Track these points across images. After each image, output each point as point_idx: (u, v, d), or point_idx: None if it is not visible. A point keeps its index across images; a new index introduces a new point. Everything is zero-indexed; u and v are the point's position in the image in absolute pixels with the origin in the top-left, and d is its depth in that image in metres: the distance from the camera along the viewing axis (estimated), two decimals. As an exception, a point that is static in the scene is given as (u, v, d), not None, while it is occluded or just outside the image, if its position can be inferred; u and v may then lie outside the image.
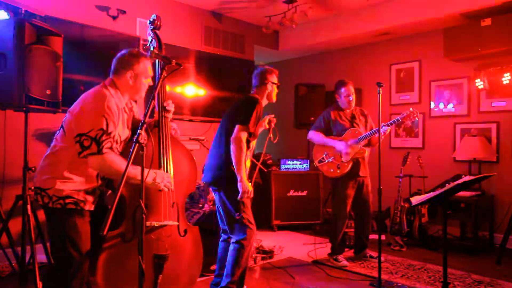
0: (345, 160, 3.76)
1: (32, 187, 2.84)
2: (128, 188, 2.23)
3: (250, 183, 2.79)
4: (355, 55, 6.06)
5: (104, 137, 2.01)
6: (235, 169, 2.75)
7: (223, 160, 2.84)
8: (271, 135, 3.05)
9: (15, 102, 2.64)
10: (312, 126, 4.03)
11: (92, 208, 2.17)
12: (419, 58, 5.35)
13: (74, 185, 2.07)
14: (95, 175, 2.16)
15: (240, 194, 2.74)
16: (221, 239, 3.07)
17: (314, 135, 3.94)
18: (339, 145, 3.78)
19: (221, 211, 2.94)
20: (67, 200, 2.04)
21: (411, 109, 3.69)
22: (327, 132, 3.91)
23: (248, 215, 2.84)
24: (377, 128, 3.37)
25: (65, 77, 3.00)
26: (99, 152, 1.99)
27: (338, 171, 3.79)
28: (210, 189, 3.27)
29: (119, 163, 2.04)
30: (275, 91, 3.06)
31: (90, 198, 2.14)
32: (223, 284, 2.82)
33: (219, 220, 3.04)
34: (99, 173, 2.15)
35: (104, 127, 2.02)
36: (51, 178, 2.05)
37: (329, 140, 3.84)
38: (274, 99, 3.06)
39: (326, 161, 3.86)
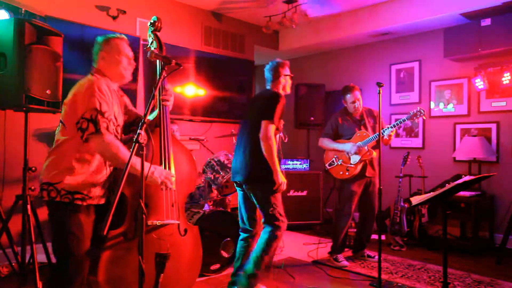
0: (353, 162, 3.79)
1: (32, 187, 2.86)
2: (130, 187, 2.24)
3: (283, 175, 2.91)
4: (355, 55, 6.06)
5: (99, 117, 2.04)
6: (269, 163, 2.83)
7: (251, 158, 2.92)
8: None
9: (15, 102, 2.63)
10: (322, 133, 4.11)
11: (101, 202, 2.18)
12: (419, 58, 5.35)
13: (82, 176, 2.08)
14: (103, 162, 2.17)
15: (276, 186, 2.84)
16: (240, 237, 3.12)
17: (324, 142, 4.02)
18: (346, 147, 3.83)
19: (249, 208, 3.03)
20: (76, 196, 2.06)
21: (418, 108, 3.69)
22: (336, 137, 3.97)
23: (280, 208, 2.94)
24: (381, 130, 3.40)
25: (65, 77, 3.00)
26: (97, 131, 2.02)
27: (347, 173, 3.83)
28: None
29: (118, 145, 2.07)
30: (289, 82, 3.18)
31: (98, 192, 2.15)
32: (249, 272, 2.88)
33: (240, 219, 3.13)
34: (102, 157, 2.16)
35: (98, 107, 2.05)
36: (59, 172, 2.06)
37: (337, 144, 3.92)
38: (288, 90, 3.17)
39: (336, 164, 3.91)
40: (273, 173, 2.83)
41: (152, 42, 2.51)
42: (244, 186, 3.02)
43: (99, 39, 2.29)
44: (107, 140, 2.05)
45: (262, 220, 2.99)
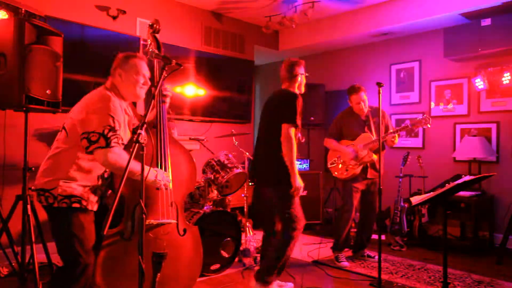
0: (353, 164, 3.80)
1: (33, 187, 2.86)
2: (127, 186, 2.24)
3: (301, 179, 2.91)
4: (355, 55, 6.06)
5: (111, 133, 2.06)
6: (288, 166, 2.83)
7: (271, 160, 2.92)
8: None
9: (15, 102, 2.63)
10: (327, 132, 4.12)
11: (95, 209, 2.19)
12: (419, 58, 5.35)
13: (77, 185, 2.09)
14: (96, 175, 2.18)
15: (293, 189, 2.85)
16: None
17: (328, 142, 4.04)
18: (347, 150, 3.85)
19: (267, 209, 3.07)
20: (73, 199, 2.07)
21: (425, 115, 3.68)
22: (341, 137, 3.98)
23: (297, 210, 2.94)
24: (383, 135, 3.41)
25: (65, 77, 3.00)
26: (107, 145, 2.03)
27: (346, 173, 3.85)
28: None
29: (125, 157, 2.06)
30: (304, 81, 3.14)
31: (93, 198, 2.17)
32: (263, 271, 2.93)
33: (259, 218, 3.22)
34: (105, 168, 2.18)
35: (112, 124, 2.07)
36: (54, 180, 2.06)
37: (339, 146, 3.93)
38: (303, 89, 3.14)
39: (336, 163, 3.93)
40: (290, 176, 2.84)
41: (150, 44, 2.53)
42: (261, 188, 3.06)
43: (120, 55, 2.30)
44: (116, 152, 2.06)
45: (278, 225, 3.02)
